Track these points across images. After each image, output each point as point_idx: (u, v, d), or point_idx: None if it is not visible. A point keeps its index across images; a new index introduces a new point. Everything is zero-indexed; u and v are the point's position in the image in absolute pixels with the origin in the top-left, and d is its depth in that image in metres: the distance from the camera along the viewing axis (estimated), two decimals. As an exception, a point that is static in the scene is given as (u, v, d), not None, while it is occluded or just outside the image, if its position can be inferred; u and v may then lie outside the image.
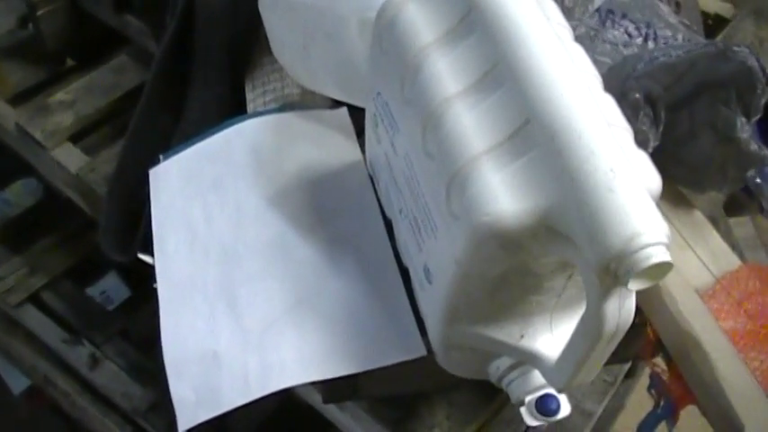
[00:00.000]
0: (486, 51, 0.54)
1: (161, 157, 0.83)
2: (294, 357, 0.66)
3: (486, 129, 0.52)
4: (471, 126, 0.53)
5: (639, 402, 0.93)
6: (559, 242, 0.50)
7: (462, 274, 0.54)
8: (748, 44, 0.65)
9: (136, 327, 1.18)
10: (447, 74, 0.56)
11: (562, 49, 0.54)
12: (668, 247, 0.46)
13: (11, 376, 1.34)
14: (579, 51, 0.58)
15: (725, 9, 1.08)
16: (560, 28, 0.58)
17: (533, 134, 0.50)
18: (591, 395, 0.99)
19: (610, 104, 0.55)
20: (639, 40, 0.82)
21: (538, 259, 0.53)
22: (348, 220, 0.74)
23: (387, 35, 0.62)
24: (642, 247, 0.45)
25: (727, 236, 0.74)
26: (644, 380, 0.99)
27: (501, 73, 0.53)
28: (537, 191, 0.49)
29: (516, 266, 0.53)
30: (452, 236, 0.54)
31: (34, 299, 1.16)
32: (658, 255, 0.45)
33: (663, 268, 0.46)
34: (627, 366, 1.03)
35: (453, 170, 0.53)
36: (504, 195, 0.50)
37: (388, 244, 0.72)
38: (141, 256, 0.77)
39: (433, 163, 0.56)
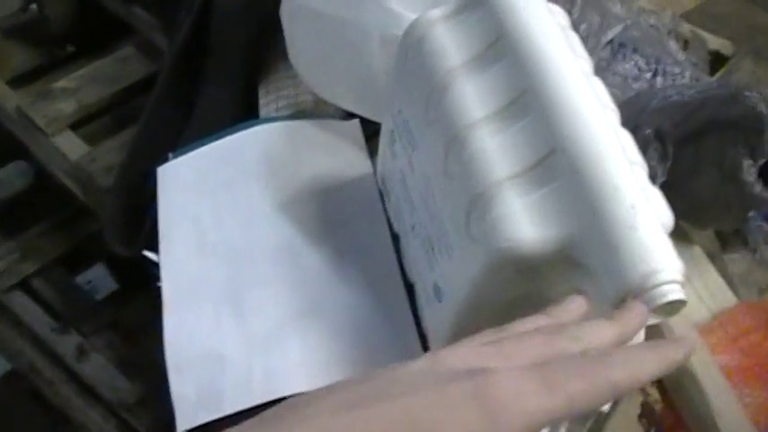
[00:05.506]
0: (514, 79, 0.55)
1: (170, 155, 0.83)
2: (298, 364, 0.67)
3: (510, 155, 0.53)
4: (496, 152, 0.54)
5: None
6: (576, 271, 0.51)
7: (476, 295, 0.55)
8: (760, 90, 0.67)
9: (124, 320, 1.18)
10: (473, 98, 0.56)
11: (587, 83, 0.55)
12: (683, 285, 0.48)
13: (-8, 361, 1.33)
14: (600, 85, 0.59)
15: (725, 47, 1.11)
16: (583, 61, 0.59)
17: (558, 165, 0.51)
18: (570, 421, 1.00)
19: (627, 140, 0.56)
20: (648, 75, 0.84)
21: (552, 286, 0.54)
22: (356, 231, 0.75)
23: (413, 54, 0.63)
24: (660, 284, 0.46)
25: (723, 272, 0.76)
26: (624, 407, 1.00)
27: (528, 102, 0.54)
28: (558, 220, 0.50)
29: (529, 291, 0.55)
30: (469, 257, 0.55)
31: (24, 285, 1.15)
32: (674, 292, 0.47)
33: (676, 305, 0.47)
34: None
35: (475, 193, 0.53)
36: (525, 222, 0.51)
37: (395, 258, 0.73)
38: (146, 253, 0.76)
39: (454, 184, 0.57)
